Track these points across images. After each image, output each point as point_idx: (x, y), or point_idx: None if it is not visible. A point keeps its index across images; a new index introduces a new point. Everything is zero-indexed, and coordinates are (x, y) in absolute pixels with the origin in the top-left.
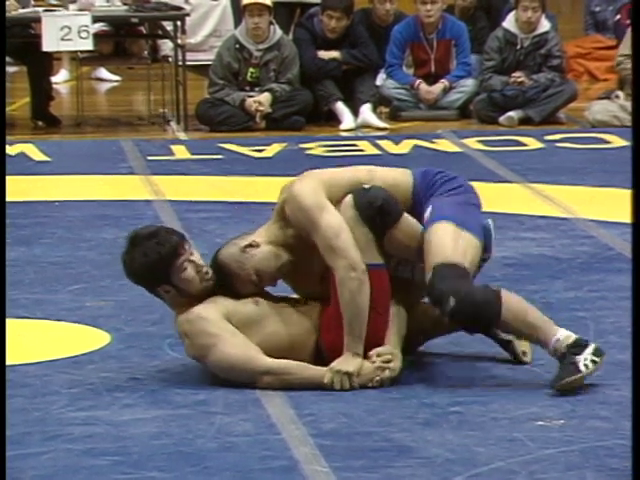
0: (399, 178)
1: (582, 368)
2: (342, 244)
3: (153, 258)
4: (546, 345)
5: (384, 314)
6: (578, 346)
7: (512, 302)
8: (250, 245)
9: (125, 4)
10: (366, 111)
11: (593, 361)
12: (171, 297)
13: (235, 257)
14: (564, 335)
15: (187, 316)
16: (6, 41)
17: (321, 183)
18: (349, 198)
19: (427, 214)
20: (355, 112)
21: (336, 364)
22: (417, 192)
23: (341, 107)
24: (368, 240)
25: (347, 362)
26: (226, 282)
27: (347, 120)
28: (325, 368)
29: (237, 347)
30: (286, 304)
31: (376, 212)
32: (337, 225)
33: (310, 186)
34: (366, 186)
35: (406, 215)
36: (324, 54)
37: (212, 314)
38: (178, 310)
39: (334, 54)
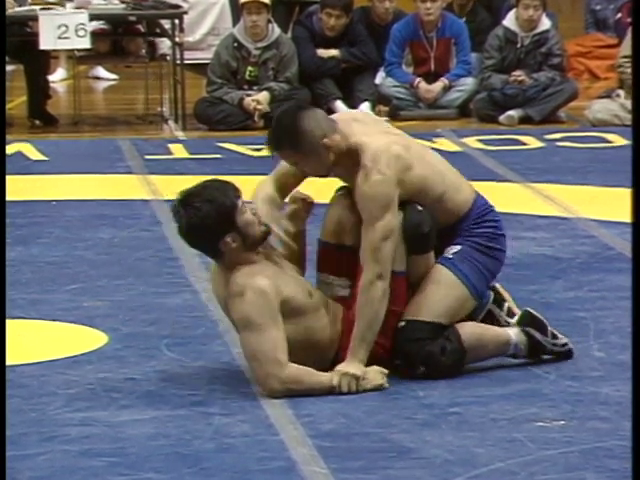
0: (466, 191)
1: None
2: (386, 251)
3: (219, 202)
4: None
5: (398, 314)
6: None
7: (472, 342)
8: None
9: (123, 2)
10: (365, 110)
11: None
12: (234, 250)
13: (323, 126)
14: (515, 340)
15: (253, 282)
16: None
17: (398, 173)
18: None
19: (453, 251)
20: None
21: (342, 367)
22: (470, 215)
23: (340, 106)
24: (401, 250)
25: (352, 366)
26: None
27: None
28: (329, 373)
29: (270, 344)
30: (329, 302)
31: (421, 236)
32: (391, 230)
33: (390, 176)
34: (419, 208)
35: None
36: (323, 52)
37: (273, 296)
38: (237, 268)
39: (333, 52)
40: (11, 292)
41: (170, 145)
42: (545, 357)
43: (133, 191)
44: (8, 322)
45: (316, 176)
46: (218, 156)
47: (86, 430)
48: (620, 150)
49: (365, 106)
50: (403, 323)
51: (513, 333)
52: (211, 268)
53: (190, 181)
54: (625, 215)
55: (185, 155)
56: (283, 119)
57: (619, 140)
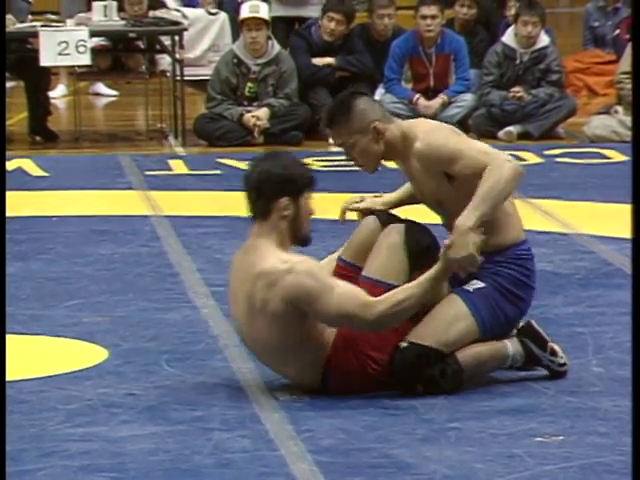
0: (514, 227)
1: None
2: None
3: (302, 165)
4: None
5: (400, 330)
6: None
7: (470, 362)
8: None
9: (123, 19)
10: None
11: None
12: (280, 220)
13: (377, 111)
14: (512, 352)
15: (297, 259)
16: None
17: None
18: (401, 226)
19: (475, 286)
20: None
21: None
22: (507, 252)
23: None
24: (402, 265)
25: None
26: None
27: None
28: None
29: (346, 296)
30: None
31: (424, 249)
32: (485, 150)
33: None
34: (419, 224)
35: None
36: (319, 61)
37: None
38: (268, 250)
39: (329, 60)
40: (11, 307)
41: (170, 161)
42: (540, 369)
43: (133, 207)
44: (8, 337)
45: (365, 167)
46: (218, 172)
47: (86, 445)
48: (619, 166)
49: None
50: (405, 344)
51: (510, 344)
52: (233, 257)
53: (190, 197)
54: (624, 231)
55: (185, 171)
56: (340, 97)
57: (617, 156)
